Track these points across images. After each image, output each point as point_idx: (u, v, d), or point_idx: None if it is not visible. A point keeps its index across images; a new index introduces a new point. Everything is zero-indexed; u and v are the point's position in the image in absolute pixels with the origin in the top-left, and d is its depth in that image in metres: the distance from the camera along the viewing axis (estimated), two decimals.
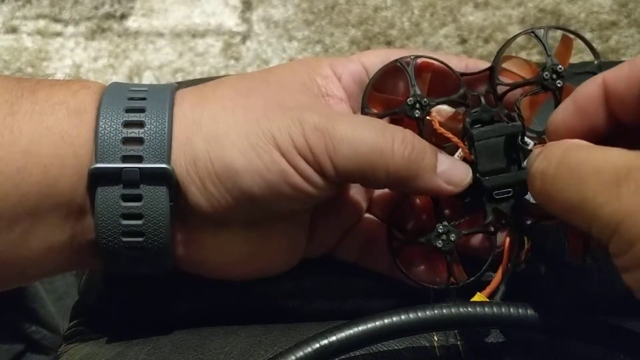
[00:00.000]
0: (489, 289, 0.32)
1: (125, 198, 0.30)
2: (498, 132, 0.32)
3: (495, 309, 0.29)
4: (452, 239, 0.32)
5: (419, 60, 0.34)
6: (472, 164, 0.32)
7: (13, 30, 1.20)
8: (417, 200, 0.36)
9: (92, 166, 0.29)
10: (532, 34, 0.35)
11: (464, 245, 0.34)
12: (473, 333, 0.34)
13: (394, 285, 0.36)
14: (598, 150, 0.27)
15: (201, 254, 0.33)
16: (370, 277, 0.36)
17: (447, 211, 0.34)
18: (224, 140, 0.30)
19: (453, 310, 0.29)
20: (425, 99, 0.33)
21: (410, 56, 0.34)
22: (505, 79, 0.34)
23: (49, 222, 0.30)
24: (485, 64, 0.35)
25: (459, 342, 0.34)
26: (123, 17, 1.21)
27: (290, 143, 0.30)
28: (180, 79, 1.00)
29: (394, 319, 0.29)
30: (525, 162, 0.32)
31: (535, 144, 0.32)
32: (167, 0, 1.22)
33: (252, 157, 0.30)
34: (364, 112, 0.34)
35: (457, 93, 0.34)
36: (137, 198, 0.30)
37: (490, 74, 0.34)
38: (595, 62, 0.35)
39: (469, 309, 0.29)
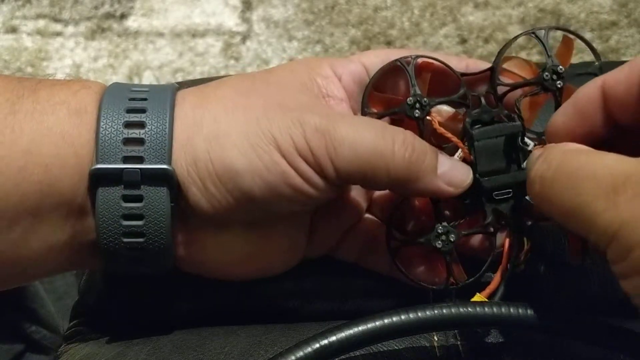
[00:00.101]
0: (488, 290, 0.32)
1: (126, 199, 0.30)
2: (498, 133, 0.32)
3: (495, 309, 0.29)
4: (452, 239, 0.32)
5: (420, 60, 0.34)
6: (472, 164, 0.32)
7: (13, 30, 1.20)
8: (417, 201, 0.36)
9: (93, 167, 0.29)
10: (533, 35, 0.34)
11: (463, 246, 0.34)
12: (473, 333, 0.34)
13: (394, 286, 0.36)
14: (597, 155, 0.26)
15: (202, 255, 0.33)
16: (370, 277, 0.36)
17: (446, 212, 0.34)
18: (225, 140, 0.30)
19: (453, 310, 0.29)
20: (425, 99, 0.33)
21: (410, 56, 0.34)
22: (505, 79, 0.34)
23: (50, 221, 0.30)
24: (486, 64, 0.35)
25: (459, 342, 0.34)
26: (123, 17, 1.21)
27: (291, 144, 0.30)
28: (180, 79, 1.00)
29: (394, 319, 0.29)
30: (525, 163, 0.32)
31: (535, 145, 0.32)
32: (167, 0, 1.22)
33: (253, 157, 0.30)
34: (364, 112, 0.34)
35: (457, 93, 0.34)
36: (138, 199, 0.30)
37: (491, 74, 0.34)
38: (596, 63, 0.35)
39: (469, 309, 0.29)
